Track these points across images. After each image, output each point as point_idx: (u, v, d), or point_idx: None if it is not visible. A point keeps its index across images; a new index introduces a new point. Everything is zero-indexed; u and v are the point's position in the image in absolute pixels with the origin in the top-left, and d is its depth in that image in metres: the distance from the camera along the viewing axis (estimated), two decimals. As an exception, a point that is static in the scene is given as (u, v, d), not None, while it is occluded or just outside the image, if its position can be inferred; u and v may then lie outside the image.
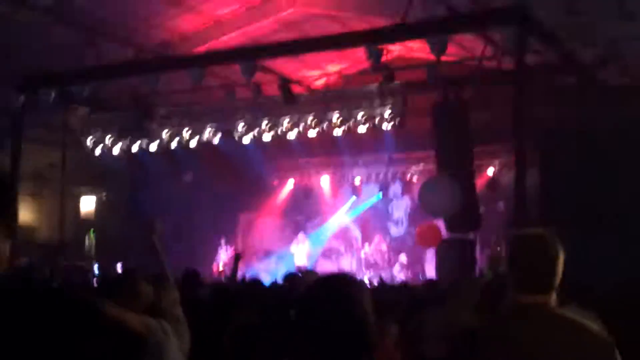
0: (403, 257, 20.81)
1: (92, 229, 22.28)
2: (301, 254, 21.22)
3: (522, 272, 3.09)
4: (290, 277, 8.33)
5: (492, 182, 19.31)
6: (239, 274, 16.20)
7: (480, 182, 18.01)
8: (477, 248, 17.05)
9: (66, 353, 2.08)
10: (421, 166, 20.45)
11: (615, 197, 12.31)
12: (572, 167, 12.99)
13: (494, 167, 19.29)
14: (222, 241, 21.36)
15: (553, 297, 3.06)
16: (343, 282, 2.74)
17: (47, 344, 2.03)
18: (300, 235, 21.70)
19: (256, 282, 9.26)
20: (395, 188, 21.94)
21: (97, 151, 18.08)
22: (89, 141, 17.84)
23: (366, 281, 16.55)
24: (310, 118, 15.75)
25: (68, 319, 2.08)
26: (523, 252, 3.09)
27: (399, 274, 20.19)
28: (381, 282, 13.89)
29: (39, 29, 15.38)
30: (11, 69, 15.37)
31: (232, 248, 21.56)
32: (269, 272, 21.25)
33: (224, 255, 21.28)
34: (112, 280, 5.10)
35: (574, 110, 14.15)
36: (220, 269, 20.98)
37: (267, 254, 22.59)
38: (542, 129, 14.09)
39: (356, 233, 22.68)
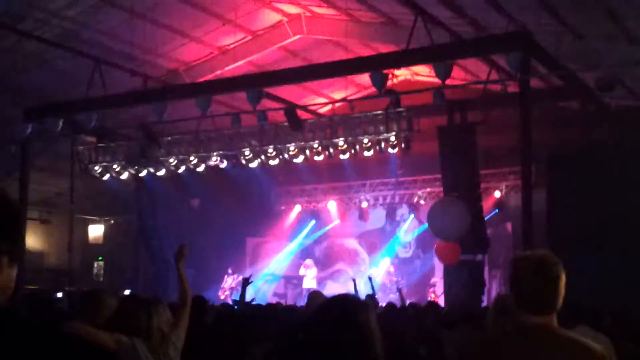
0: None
1: (100, 257, 22.38)
2: (310, 278, 21.25)
3: (523, 293, 3.09)
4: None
5: (500, 204, 19.33)
6: (248, 298, 16.24)
7: (487, 205, 18.04)
8: (486, 269, 17.06)
9: None
10: (428, 189, 20.51)
11: (622, 217, 12.33)
12: (578, 188, 13.03)
13: (501, 189, 19.32)
14: (230, 270, 21.39)
15: (555, 318, 3.09)
16: (348, 303, 2.79)
17: None
18: (308, 260, 21.75)
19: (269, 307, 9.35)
20: (402, 211, 21.99)
21: (105, 178, 18.19)
22: (97, 169, 17.95)
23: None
24: (316, 143, 15.84)
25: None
26: (525, 273, 3.10)
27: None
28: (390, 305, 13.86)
29: (46, 60, 15.57)
30: (18, 98, 15.55)
31: (238, 275, 21.61)
32: (277, 295, 21.28)
33: (230, 281, 21.31)
34: (79, 296, 5.47)
35: (579, 132, 14.23)
36: (227, 292, 21.00)
37: (274, 278, 22.63)
38: (549, 151, 14.16)
39: (364, 256, 22.69)
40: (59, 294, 17.92)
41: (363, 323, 2.68)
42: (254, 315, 8.70)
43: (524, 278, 3.10)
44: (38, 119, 15.25)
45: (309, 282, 21.18)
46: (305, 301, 8.50)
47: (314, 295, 7.92)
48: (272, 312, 9.79)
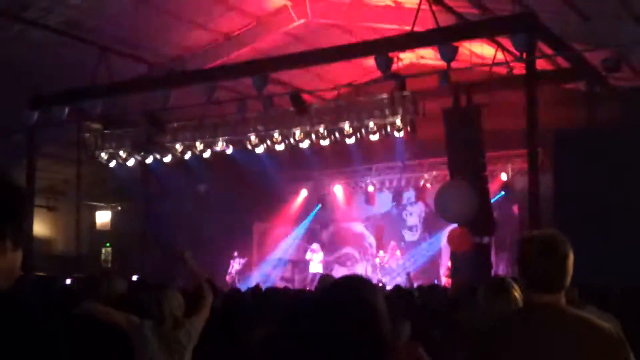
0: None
1: (107, 244, 22.47)
2: (316, 262, 21.32)
3: (531, 272, 3.10)
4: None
5: (506, 186, 19.33)
6: (254, 283, 16.32)
7: (494, 187, 18.04)
8: (493, 252, 17.08)
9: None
10: (434, 172, 20.51)
11: (629, 198, 12.31)
12: (584, 169, 13.00)
13: (507, 172, 19.31)
14: (235, 253, 21.48)
15: (563, 296, 3.10)
16: (357, 283, 2.81)
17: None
18: (315, 245, 21.82)
19: (273, 291, 9.39)
20: (409, 195, 22.01)
21: (112, 165, 18.24)
22: (103, 156, 18.00)
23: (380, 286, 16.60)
24: (322, 128, 15.84)
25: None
26: (532, 252, 3.10)
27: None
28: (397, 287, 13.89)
29: (51, 48, 15.57)
30: (24, 87, 15.57)
31: (244, 259, 21.71)
32: (284, 280, 21.36)
33: (236, 265, 21.42)
34: (89, 279, 5.60)
35: (585, 113, 14.18)
36: (233, 277, 21.12)
37: (282, 262, 22.73)
38: (554, 133, 14.13)
39: (371, 240, 22.75)
40: (68, 280, 18.06)
41: (371, 303, 2.70)
42: (261, 300, 8.75)
43: (531, 257, 3.10)
44: (44, 106, 15.28)
45: (316, 266, 21.28)
46: (316, 285, 8.58)
47: (325, 278, 7.99)
48: (278, 296, 9.83)
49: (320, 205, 22.65)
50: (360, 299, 2.68)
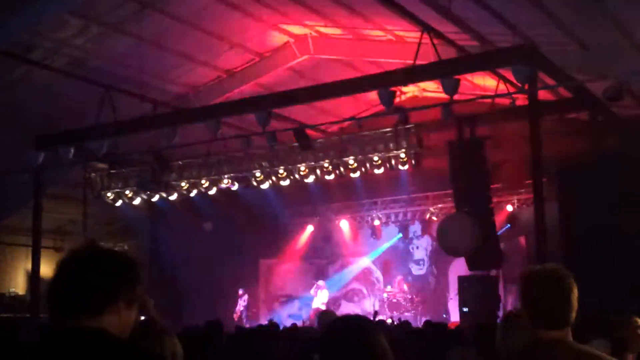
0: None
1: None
2: (320, 298, 21.17)
3: (537, 309, 3.09)
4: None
5: (512, 218, 19.26)
6: (261, 321, 16.23)
7: (500, 219, 17.99)
8: (501, 284, 16.97)
9: None
10: (440, 205, 20.46)
11: (635, 227, 12.25)
12: (590, 199, 12.96)
13: (513, 203, 19.26)
14: (241, 291, 21.39)
15: (569, 332, 3.07)
16: (358, 323, 2.79)
17: None
18: (321, 282, 21.71)
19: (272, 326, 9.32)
20: (415, 228, 21.95)
21: (118, 204, 18.26)
22: (109, 195, 18.03)
23: (389, 322, 16.48)
24: (326, 163, 15.86)
25: None
26: (536, 288, 3.09)
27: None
28: (402, 322, 13.82)
29: (56, 88, 15.69)
30: (29, 127, 15.65)
31: (250, 297, 21.61)
32: (292, 316, 21.22)
33: (243, 303, 21.32)
34: None
35: (589, 143, 14.18)
36: (239, 315, 21.01)
37: (289, 299, 22.61)
38: (559, 163, 14.11)
39: (377, 274, 22.64)
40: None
41: (374, 343, 2.68)
42: (267, 337, 8.69)
43: (535, 293, 3.08)
44: (50, 147, 15.34)
45: (319, 302, 21.09)
46: (317, 322, 8.49)
47: (324, 315, 7.89)
48: (286, 334, 9.77)
49: (325, 241, 22.56)
50: (363, 339, 2.66)
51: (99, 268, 2.54)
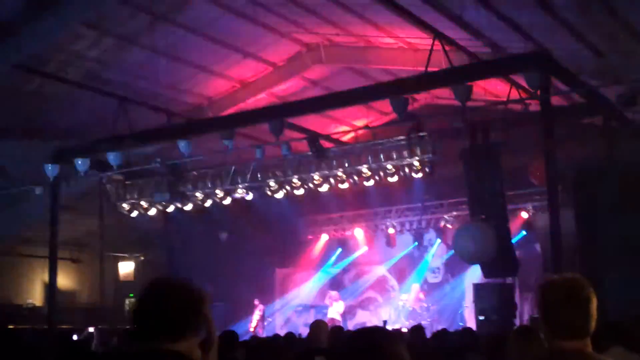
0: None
1: (131, 294, 22.49)
2: (335, 308, 21.12)
3: (555, 319, 3.05)
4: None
5: (527, 225, 19.18)
6: (277, 330, 16.22)
7: (515, 226, 17.92)
8: (517, 292, 16.90)
9: None
10: (454, 213, 20.41)
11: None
12: (605, 205, 12.90)
13: (528, 210, 19.18)
14: (256, 301, 21.42)
15: (588, 342, 3.04)
16: (377, 333, 2.80)
17: None
18: (334, 293, 21.66)
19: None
20: (430, 236, 21.90)
21: (134, 215, 18.34)
22: (125, 206, 18.12)
23: (404, 331, 16.43)
24: (340, 172, 15.88)
25: None
26: (555, 299, 3.05)
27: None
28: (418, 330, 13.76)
29: (71, 101, 15.82)
30: (45, 140, 15.78)
31: (266, 306, 21.62)
32: (308, 326, 21.20)
33: (259, 313, 21.34)
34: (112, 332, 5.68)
35: (603, 147, 14.11)
36: (255, 325, 21.03)
37: (306, 308, 22.59)
38: (574, 169, 14.05)
39: (393, 282, 22.59)
40: (91, 329, 18.08)
41: (393, 353, 2.69)
42: (283, 347, 8.68)
43: (554, 304, 3.04)
44: (66, 159, 15.44)
45: (334, 313, 21.02)
46: (309, 330, 8.47)
47: (317, 324, 7.85)
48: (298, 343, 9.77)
49: (340, 249, 22.58)
50: (382, 350, 2.67)
51: (178, 299, 2.97)
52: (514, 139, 15.05)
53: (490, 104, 15.05)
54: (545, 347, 4.08)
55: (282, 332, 12.90)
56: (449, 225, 20.76)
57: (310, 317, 22.29)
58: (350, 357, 2.74)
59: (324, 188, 16.38)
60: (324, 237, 22.92)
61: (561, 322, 3.04)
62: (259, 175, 16.75)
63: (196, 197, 17.56)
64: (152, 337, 2.93)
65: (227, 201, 17.51)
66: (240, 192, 17.19)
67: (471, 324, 17.83)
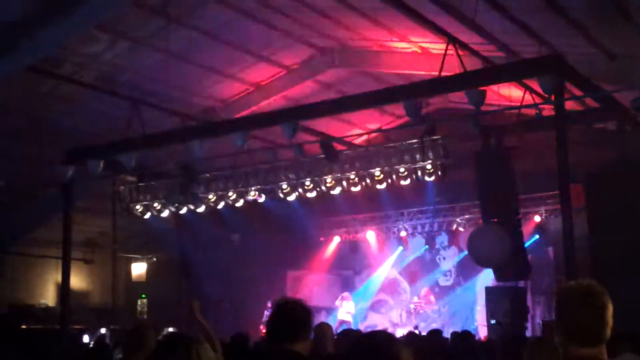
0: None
1: (143, 294, 22.58)
2: (344, 310, 21.14)
3: (572, 326, 3.04)
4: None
5: (540, 229, 19.14)
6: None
7: (527, 230, 17.88)
8: (529, 296, 16.87)
9: None
10: (467, 216, 20.39)
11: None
12: (618, 209, 12.89)
13: (541, 213, 19.13)
14: (269, 304, 21.46)
15: (604, 349, 3.04)
16: (384, 339, 2.83)
17: None
18: (346, 293, 21.69)
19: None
20: (442, 239, 21.88)
21: (146, 217, 18.42)
22: (138, 208, 18.20)
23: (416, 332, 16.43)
24: (352, 174, 15.90)
25: None
26: (571, 305, 3.05)
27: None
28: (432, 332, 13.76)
29: (84, 103, 15.92)
30: (58, 141, 15.87)
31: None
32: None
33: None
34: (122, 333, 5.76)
35: (617, 152, 14.10)
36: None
37: (317, 310, 22.59)
38: (587, 174, 14.03)
39: (404, 285, 22.58)
40: (102, 330, 18.16)
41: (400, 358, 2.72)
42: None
43: (571, 310, 3.04)
44: (79, 161, 15.52)
45: (344, 314, 21.05)
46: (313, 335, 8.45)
47: (321, 328, 7.85)
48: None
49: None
50: (390, 356, 2.70)
51: (302, 312, 4.11)
52: (527, 142, 15.05)
53: (503, 109, 15.02)
54: (560, 354, 4.11)
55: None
56: (461, 229, 20.74)
57: (322, 319, 22.31)
58: None
59: (337, 191, 16.41)
60: (336, 240, 22.94)
61: (577, 328, 3.03)
62: (271, 178, 16.80)
63: (209, 199, 17.62)
64: (280, 340, 4.02)
65: (240, 203, 17.56)
66: (252, 194, 17.24)
67: (482, 327, 17.83)
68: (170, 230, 19.72)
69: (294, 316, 4.08)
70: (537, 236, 19.14)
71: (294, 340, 3.99)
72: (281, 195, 16.93)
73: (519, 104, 13.63)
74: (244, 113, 17.02)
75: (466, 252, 17.07)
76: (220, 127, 15.43)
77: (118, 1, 12.34)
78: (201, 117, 17.04)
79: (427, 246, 21.91)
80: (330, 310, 22.05)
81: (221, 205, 17.75)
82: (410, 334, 13.28)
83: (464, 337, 10.46)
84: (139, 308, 22.68)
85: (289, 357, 3.96)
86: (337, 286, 22.82)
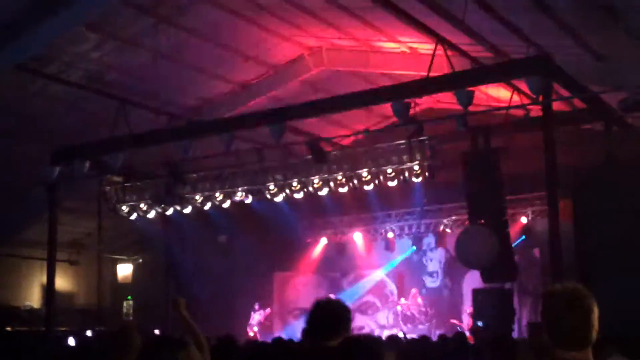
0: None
1: (129, 296, 22.47)
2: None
3: (558, 329, 3.05)
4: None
5: (527, 230, 19.15)
6: (276, 334, 16.21)
7: (514, 231, 17.89)
8: (516, 297, 16.87)
9: None
10: (454, 217, 20.38)
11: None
12: (605, 210, 12.90)
13: (527, 215, 19.16)
14: (256, 306, 21.41)
15: (590, 352, 3.03)
16: (368, 342, 2.81)
17: None
18: (331, 295, 21.64)
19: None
20: (429, 240, 21.86)
21: (132, 217, 18.33)
22: (124, 209, 18.10)
23: (401, 335, 16.41)
24: (340, 175, 15.87)
25: None
26: (557, 309, 3.06)
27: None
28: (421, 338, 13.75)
29: (71, 102, 15.81)
30: (45, 140, 15.77)
31: (266, 310, 21.59)
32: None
33: (257, 317, 21.31)
34: (107, 335, 5.69)
35: (604, 152, 14.12)
36: (255, 329, 21.00)
37: (304, 312, 22.53)
38: (574, 175, 14.04)
39: (391, 287, 22.55)
40: (88, 332, 18.04)
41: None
42: (281, 352, 8.65)
43: (557, 314, 3.05)
44: (65, 161, 15.42)
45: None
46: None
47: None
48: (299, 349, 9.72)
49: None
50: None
51: (343, 311, 4.24)
52: (515, 143, 15.06)
53: (491, 109, 15.03)
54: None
55: (282, 337, 12.86)
56: (448, 230, 20.73)
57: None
58: None
59: (324, 192, 16.38)
60: (323, 241, 22.88)
61: (563, 331, 3.04)
62: (258, 178, 16.75)
63: (195, 199, 17.56)
64: (317, 337, 4.17)
65: (227, 204, 17.51)
66: (239, 195, 17.19)
67: (469, 329, 17.81)
68: (157, 231, 19.64)
69: (336, 314, 4.20)
70: (523, 237, 19.15)
71: (330, 337, 4.07)
72: (268, 196, 16.89)
73: (507, 104, 13.64)
74: (232, 113, 16.95)
75: (453, 254, 17.06)
76: (207, 127, 15.37)
77: (107, 0, 12.28)
78: (188, 117, 16.96)
79: (414, 247, 21.88)
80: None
81: (208, 206, 17.70)
82: (393, 337, 13.26)
83: (452, 339, 10.45)
84: (124, 309, 22.56)
85: (331, 354, 3.97)
86: (324, 288, 22.75)
